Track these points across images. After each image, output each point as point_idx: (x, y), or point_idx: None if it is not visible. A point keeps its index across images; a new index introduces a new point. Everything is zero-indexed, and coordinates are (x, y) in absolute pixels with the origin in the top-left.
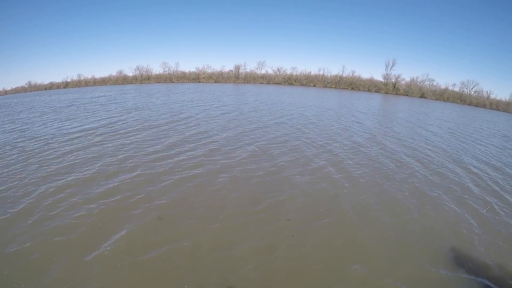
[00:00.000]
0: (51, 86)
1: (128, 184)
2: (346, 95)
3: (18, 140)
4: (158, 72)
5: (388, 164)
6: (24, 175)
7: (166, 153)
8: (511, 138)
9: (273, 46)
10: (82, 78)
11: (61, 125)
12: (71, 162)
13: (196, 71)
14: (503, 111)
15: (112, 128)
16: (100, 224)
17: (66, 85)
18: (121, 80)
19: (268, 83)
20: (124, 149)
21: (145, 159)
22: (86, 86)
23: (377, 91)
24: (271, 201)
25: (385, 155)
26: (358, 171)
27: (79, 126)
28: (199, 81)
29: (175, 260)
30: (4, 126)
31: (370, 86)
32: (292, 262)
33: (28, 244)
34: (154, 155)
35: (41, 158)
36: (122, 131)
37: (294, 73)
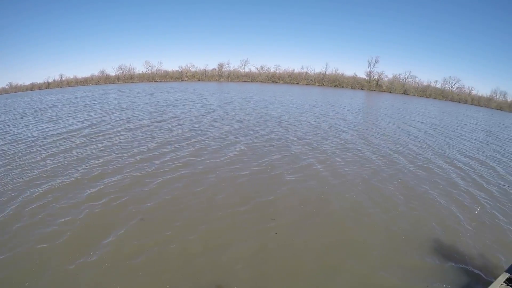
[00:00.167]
0: (32, 87)
1: (113, 187)
2: (329, 93)
3: None
4: (141, 72)
5: (375, 160)
6: (6, 180)
7: (151, 154)
8: (493, 133)
9: (256, 45)
10: (64, 79)
11: (43, 127)
12: (54, 166)
13: (180, 70)
14: (484, 106)
15: (96, 129)
16: (86, 229)
17: (48, 85)
18: (104, 79)
19: (252, 81)
20: (108, 150)
21: (129, 161)
22: (68, 86)
23: (360, 88)
24: (259, 201)
25: (371, 151)
26: (345, 168)
27: (62, 128)
28: (183, 80)
29: (163, 264)
30: None
31: (353, 83)
32: (283, 261)
33: (11, 253)
34: (139, 156)
35: (23, 162)
36: (105, 132)
37: (277, 71)
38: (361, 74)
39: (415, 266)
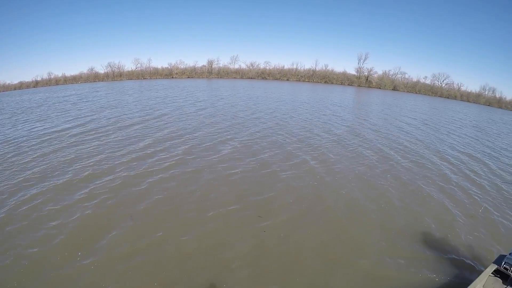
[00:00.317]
0: (20, 86)
1: (104, 187)
2: (320, 89)
3: None
4: (130, 69)
5: (368, 156)
6: None
7: (142, 153)
8: (483, 128)
9: (246, 41)
10: (52, 77)
11: (32, 127)
12: (44, 167)
13: (169, 67)
14: (474, 102)
15: (85, 128)
16: (78, 231)
17: (36, 84)
18: (93, 77)
19: (242, 77)
20: (99, 149)
21: (120, 160)
22: (57, 84)
23: (350, 84)
24: (253, 199)
25: (364, 147)
26: (338, 164)
27: (51, 127)
28: (172, 77)
29: (158, 264)
30: None
31: (343, 80)
32: (279, 258)
33: (1, 257)
34: (130, 156)
35: (12, 163)
36: (95, 131)
37: (267, 68)
38: (351, 70)
39: (410, 259)
